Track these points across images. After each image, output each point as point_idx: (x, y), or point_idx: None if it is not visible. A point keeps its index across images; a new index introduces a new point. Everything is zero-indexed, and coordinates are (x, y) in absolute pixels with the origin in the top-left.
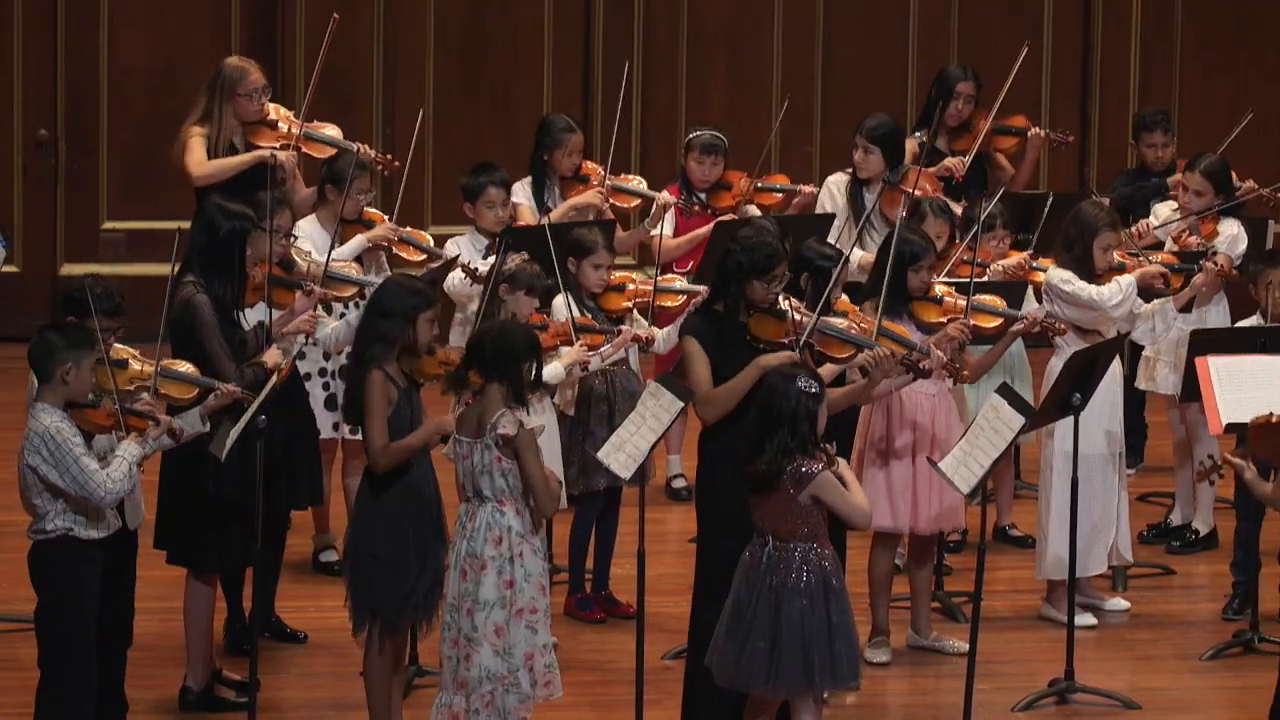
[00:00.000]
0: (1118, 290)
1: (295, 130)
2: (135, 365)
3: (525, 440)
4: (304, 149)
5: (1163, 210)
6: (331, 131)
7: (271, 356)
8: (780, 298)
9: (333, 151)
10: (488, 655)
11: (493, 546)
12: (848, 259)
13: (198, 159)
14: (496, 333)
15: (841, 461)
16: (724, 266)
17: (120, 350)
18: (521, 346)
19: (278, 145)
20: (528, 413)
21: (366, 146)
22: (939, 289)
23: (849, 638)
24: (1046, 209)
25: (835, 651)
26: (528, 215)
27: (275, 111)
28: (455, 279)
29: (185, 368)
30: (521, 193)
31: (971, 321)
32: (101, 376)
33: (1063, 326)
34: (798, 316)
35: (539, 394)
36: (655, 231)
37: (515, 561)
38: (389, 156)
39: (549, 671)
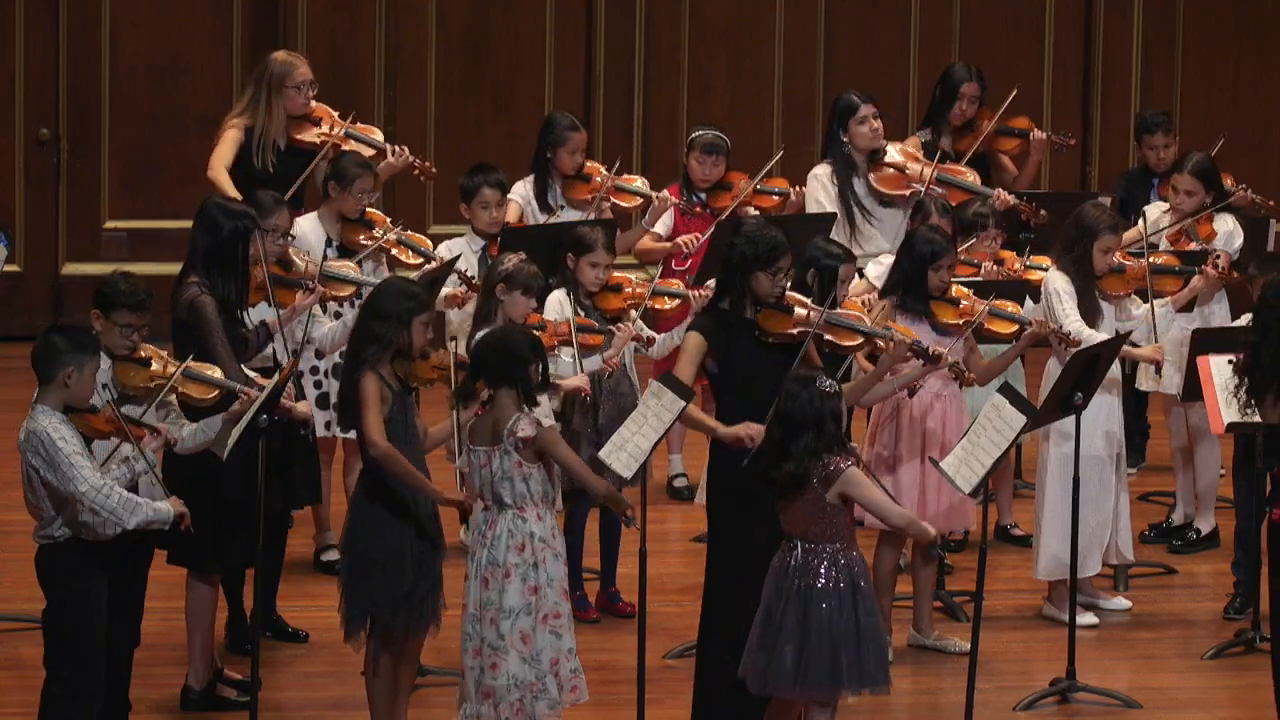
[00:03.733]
0: (1091, 339)
1: (338, 129)
2: (158, 365)
3: (548, 437)
4: (344, 147)
5: (1152, 212)
6: (374, 134)
7: (302, 409)
8: (786, 293)
9: (373, 153)
10: (515, 662)
11: (515, 553)
12: (850, 253)
13: (221, 157)
14: (498, 339)
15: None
16: (728, 260)
17: (145, 349)
18: (525, 349)
19: (318, 142)
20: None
21: (405, 150)
22: (956, 290)
23: (877, 639)
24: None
25: (863, 653)
26: (515, 214)
27: (321, 109)
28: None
29: (211, 371)
30: (520, 191)
31: (987, 325)
32: (120, 373)
33: (1077, 339)
34: (803, 311)
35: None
36: (653, 229)
37: (539, 567)
38: (427, 164)
39: (574, 676)
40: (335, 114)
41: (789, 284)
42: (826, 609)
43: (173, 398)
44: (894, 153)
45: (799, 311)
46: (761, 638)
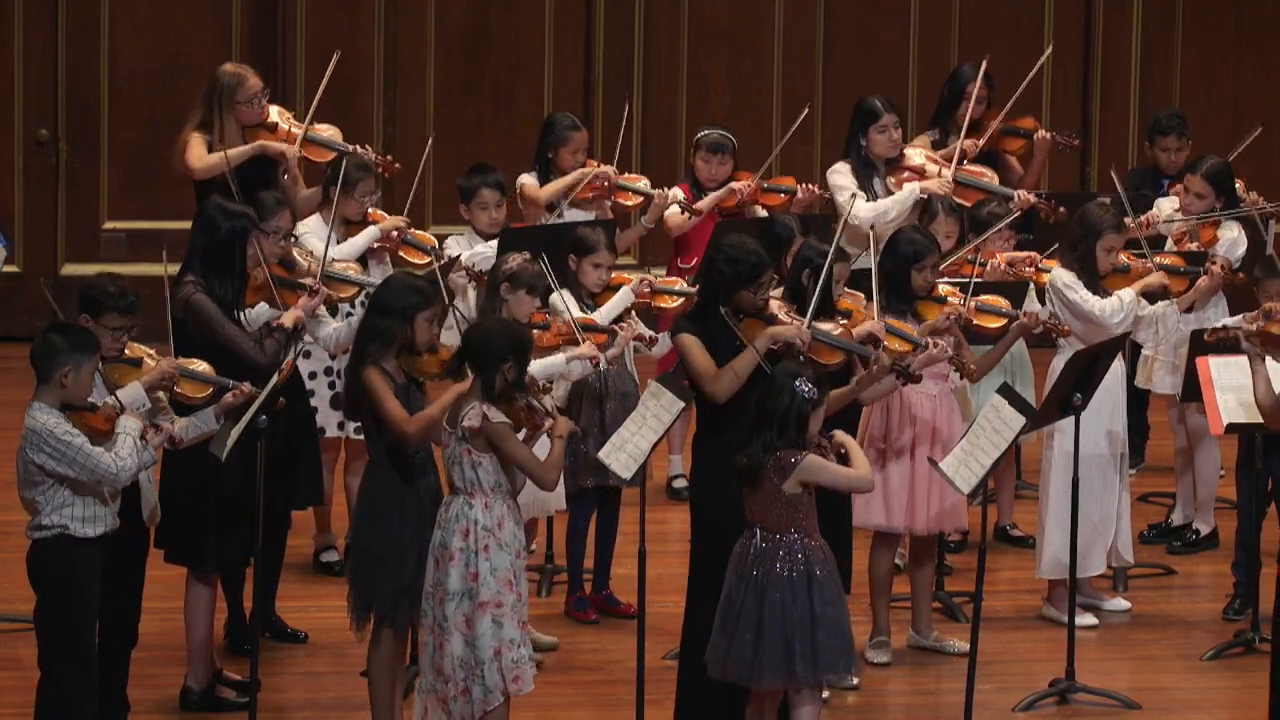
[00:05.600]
0: (1118, 307)
1: (296, 132)
2: (150, 364)
3: (494, 430)
4: (304, 152)
5: (1166, 206)
6: (330, 134)
7: (290, 317)
8: (771, 301)
9: (332, 155)
10: (459, 644)
11: (460, 538)
12: (844, 251)
13: (198, 154)
14: (483, 329)
15: (840, 433)
16: (709, 276)
17: (136, 349)
18: (502, 346)
19: (282, 149)
20: (535, 409)
21: (367, 148)
22: (943, 289)
23: (836, 629)
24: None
25: (818, 642)
26: (533, 185)
27: (275, 114)
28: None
29: (200, 366)
30: (528, 176)
31: (975, 321)
32: (111, 374)
33: (1066, 328)
34: (786, 322)
35: (539, 390)
36: (652, 225)
37: (480, 555)
38: (389, 158)
39: (518, 667)
40: (291, 117)
41: (769, 292)
42: (780, 598)
43: (161, 395)
44: (915, 156)
45: (781, 320)
46: (722, 624)
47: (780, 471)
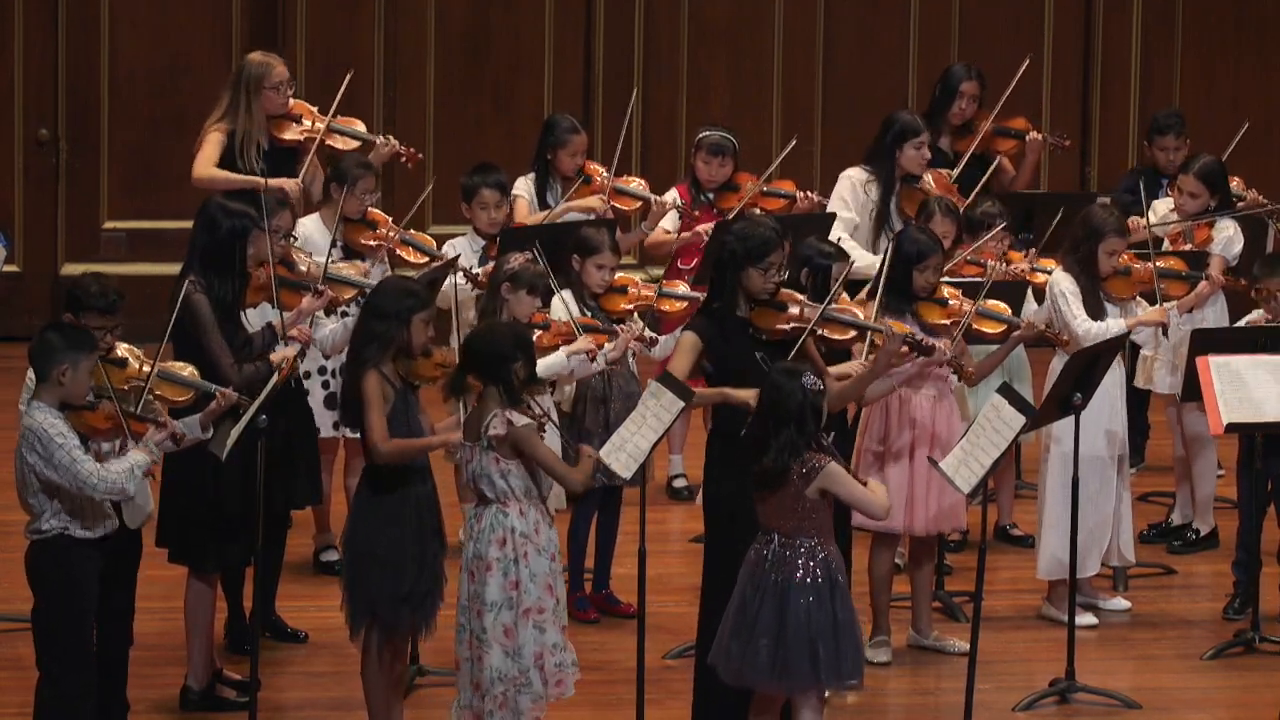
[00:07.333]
0: (1099, 334)
1: (319, 124)
2: (134, 365)
3: (520, 435)
4: (329, 143)
5: (1160, 207)
6: (356, 126)
7: (279, 355)
8: (780, 289)
9: (357, 145)
10: (498, 656)
11: (497, 548)
12: (852, 261)
13: (205, 158)
14: (485, 335)
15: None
16: (719, 259)
17: (121, 349)
18: (510, 346)
19: (301, 139)
20: (532, 408)
21: (393, 138)
22: (945, 290)
23: (854, 635)
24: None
25: (841, 649)
26: (524, 209)
27: (299, 106)
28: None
29: (185, 370)
30: (523, 186)
31: (975, 326)
32: (99, 375)
33: (1065, 337)
34: (796, 308)
35: (540, 390)
36: (651, 231)
37: (520, 562)
38: (412, 149)
39: (560, 671)
40: (315, 109)
41: (782, 280)
42: (804, 604)
43: (153, 396)
44: (928, 179)
45: (792, 308)
46: (735, 629)
47: (806, 476)
